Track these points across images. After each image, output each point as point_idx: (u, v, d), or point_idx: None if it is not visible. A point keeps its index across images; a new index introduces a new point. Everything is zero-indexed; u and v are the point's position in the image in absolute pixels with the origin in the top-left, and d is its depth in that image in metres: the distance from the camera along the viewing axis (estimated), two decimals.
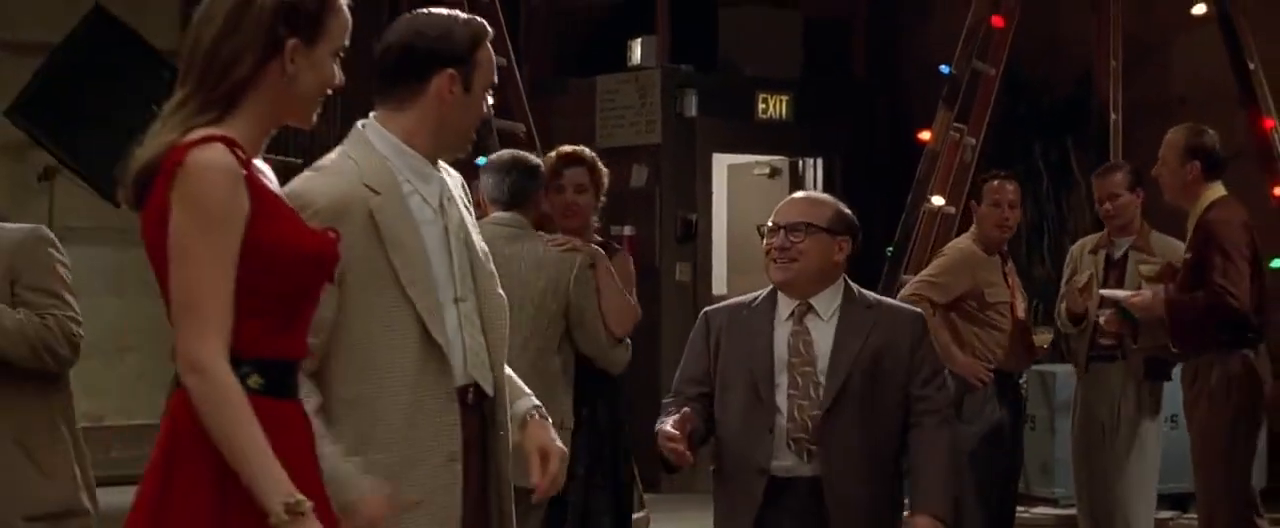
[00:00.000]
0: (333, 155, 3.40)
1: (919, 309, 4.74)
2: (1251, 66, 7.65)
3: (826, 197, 4.47)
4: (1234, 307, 6.07)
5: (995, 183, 6.85)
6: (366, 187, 3.30)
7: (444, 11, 3.45)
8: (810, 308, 4.27)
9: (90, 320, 4.81)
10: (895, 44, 11.39)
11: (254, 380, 2.67)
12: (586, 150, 5.66)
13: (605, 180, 5.65)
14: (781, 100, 10.97)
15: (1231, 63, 7.71)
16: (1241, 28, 7.65)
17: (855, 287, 4.33)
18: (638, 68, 10.70)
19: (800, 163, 11.31)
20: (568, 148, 5.66)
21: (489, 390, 3.41)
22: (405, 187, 3.37)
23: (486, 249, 3.49)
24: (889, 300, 4.51)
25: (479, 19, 3.46)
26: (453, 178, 3.49)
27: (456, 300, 3.37)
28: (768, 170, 11.43)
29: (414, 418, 3.27)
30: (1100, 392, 6.82)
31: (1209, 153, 6.33)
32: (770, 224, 4.27)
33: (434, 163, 3.43)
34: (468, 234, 3.44)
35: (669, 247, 10.63)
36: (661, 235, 10.59)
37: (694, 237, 10.67)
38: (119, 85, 7.48)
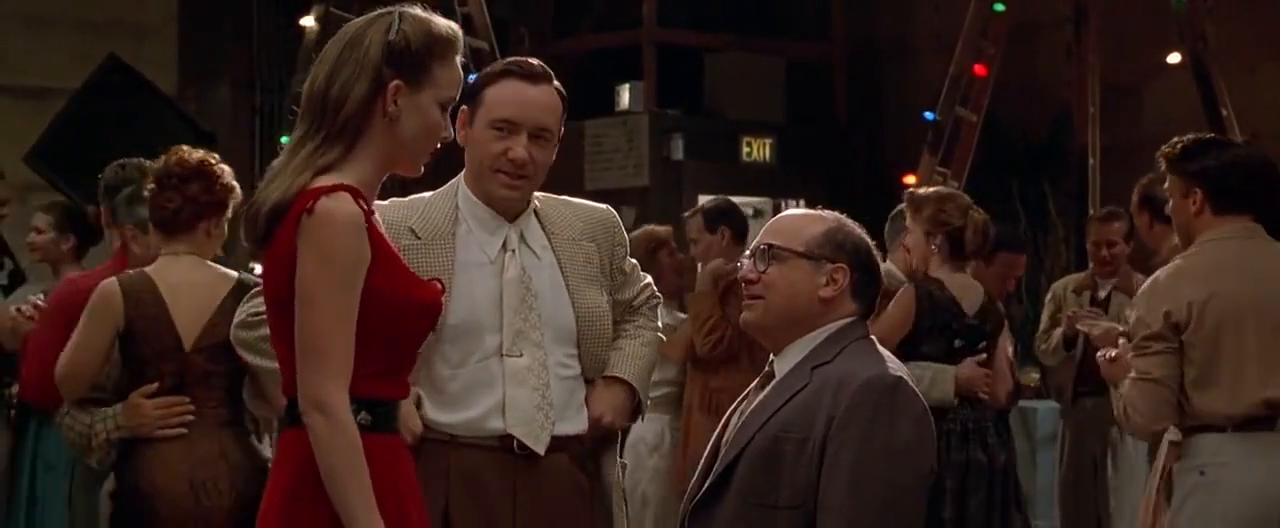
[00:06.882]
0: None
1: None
2: (1224, 114, 7.54)
3: (826, 213, 3.11)
4: None
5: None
6: (411, 229, 3.18)
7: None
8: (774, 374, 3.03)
9: None
10: (874, 90, 11.24)
11: (363, 418, 2.63)
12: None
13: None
14: (765, 143, 10.81)
15: (1205, 110, 7.57)
16: (1215, 76, 7.52)
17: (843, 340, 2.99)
18: (626, 112, 10.55)
19: (783, 204, 11.11)
20: None
21: (535, 448, 3.20)
22: (463, 234, 3.17)
23: (602, 305, 3.31)
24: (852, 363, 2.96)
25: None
26: (572, 227, 3.34)
27: (503, 355, 3.15)
28: (751, 212, 11.22)
29: None
30: (1089, 424, 6.69)
31: (1157, 201, 6.19)
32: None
33: (510, 211, 3.27)
34: (547, 288, 3.26)
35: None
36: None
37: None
38: (132, 131, 7.33)
